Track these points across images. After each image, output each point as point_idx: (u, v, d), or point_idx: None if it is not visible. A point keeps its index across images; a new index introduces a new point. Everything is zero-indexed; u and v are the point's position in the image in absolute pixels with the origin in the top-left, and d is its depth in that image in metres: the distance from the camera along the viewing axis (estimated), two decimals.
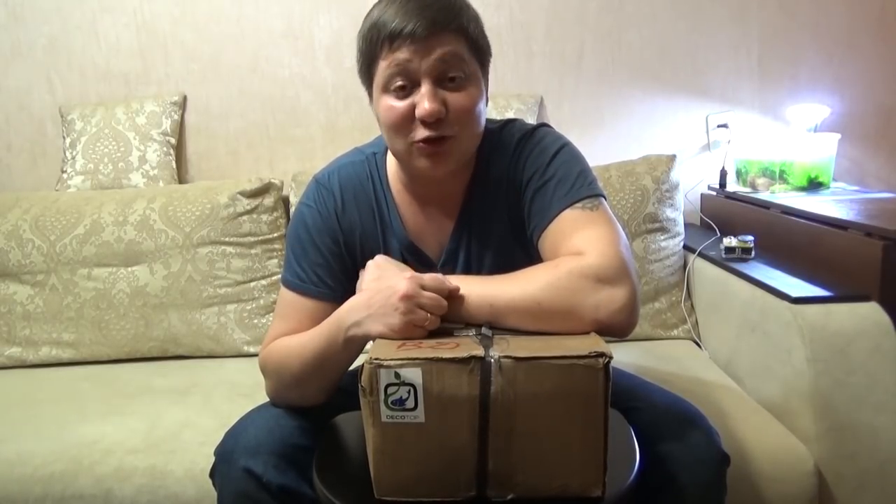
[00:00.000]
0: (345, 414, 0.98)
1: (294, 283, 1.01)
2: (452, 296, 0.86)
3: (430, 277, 0.85)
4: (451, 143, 0.92)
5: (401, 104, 0.90)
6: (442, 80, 0.90)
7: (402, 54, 0.87)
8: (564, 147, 0.99)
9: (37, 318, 1.70)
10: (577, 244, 0.89)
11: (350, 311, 0.88)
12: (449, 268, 1.02)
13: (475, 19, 0.93)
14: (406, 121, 0.90)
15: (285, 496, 0.89)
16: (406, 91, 0.90)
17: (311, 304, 0.99)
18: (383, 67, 0.89)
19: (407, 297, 0.82)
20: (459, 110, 0.90)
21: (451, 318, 0.85)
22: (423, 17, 0.86)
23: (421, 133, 0.90)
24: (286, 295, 1.02)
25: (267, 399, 1.02)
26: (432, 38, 0.87)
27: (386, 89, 0.91)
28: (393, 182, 1.03)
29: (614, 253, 0.86)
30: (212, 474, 0.95)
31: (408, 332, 0.82)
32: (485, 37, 0.95)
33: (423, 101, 0.88)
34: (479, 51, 0.93)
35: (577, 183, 0.95)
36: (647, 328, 1.70)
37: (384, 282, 0.86)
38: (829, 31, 2.01)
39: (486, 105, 0.97)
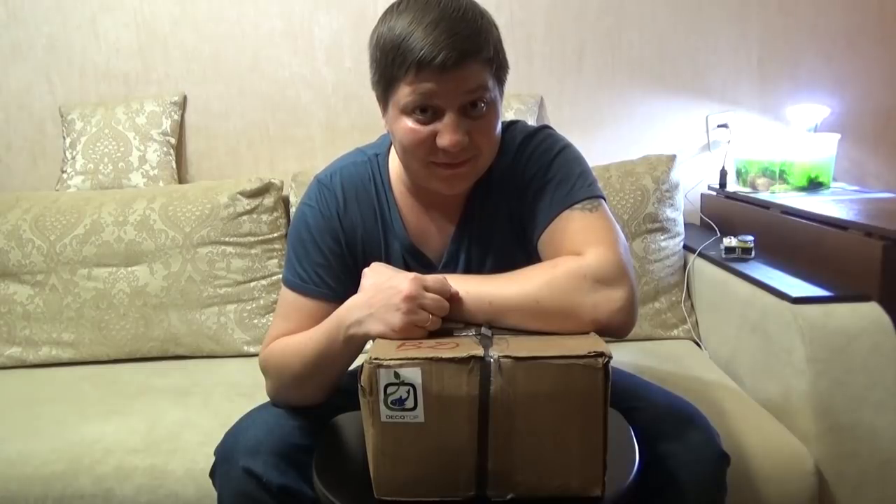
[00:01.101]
0: (345, 414, 0.98)
1: (295, 282, 1.01)
2: (453, 298, 0.86)
3: (432, 279, 0.85)
4: (470, 164, 0.92)
5: (422, 129, 0.88)
6: (465, 110, 0.88)
7: (428, 84, 0.85)
8: (566, 149, 0.99)
9: (37, 318, 1.70)
10: (576, 245, 0.89)
11: (350, 310, 0.88)
12: (450, 270, 1.02)
13: (498, 39, 0.91)
14: (426, 145, 0.89)
15: (285, 496, 0.89)
16: (427, 117, 0.87)
17: (311, 304, 0.99)
18: (406, 93, 0.86)
19: (410, 298, 0.82)
20: (482, 139, 0.90)
21: (450, 317, 0.85)
22: (453, 49, 0.83)
23: (441, 159, 0.89)
24: (287, 295, 1.02)
25: (267, 399, 1.02)
26: (459, 72, 0.84)
27: (406, 112, 0.88)
28: (395, 184, 1.03)
29: (613, 254, 0.87)
30: (212, 474, 0.95)
31: (408, 332, 0.82)
32: (504, 53, 0.93)
33: (447, 132, 0.86)
34: (501, 71, 0.92)
35: (577, 184, 0.95)
36: (647, 328, 1.70)
37: (386, 282, 0.86)
38: (828, 31, 2.01)
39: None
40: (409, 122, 0.88)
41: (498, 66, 0.91)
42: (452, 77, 0.84)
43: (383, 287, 0.85)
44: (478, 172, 0.95)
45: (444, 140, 0.87)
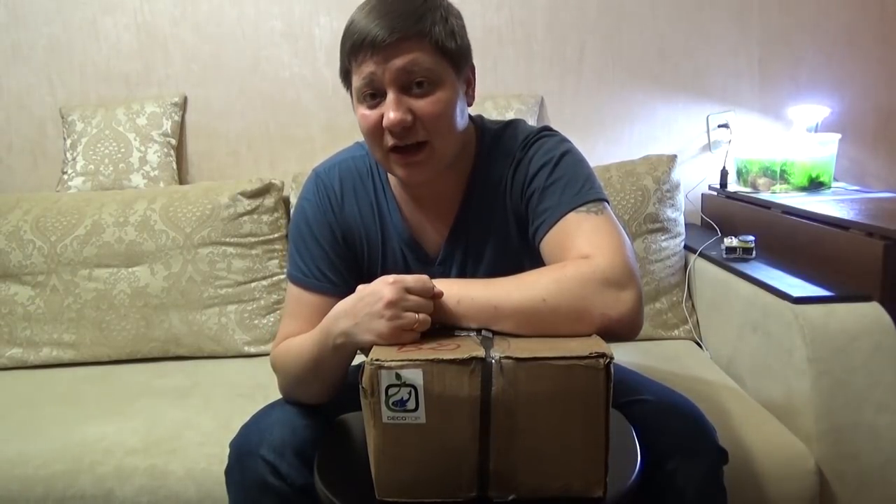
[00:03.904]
0: (347, 414, 0.98)
1: (297, 276, 1.02)
2: (437, 296, 0.84)
3: (413, 279, 0.83)
4: (426, 150, 0.92)
5: (372, 113, 0.91)
6: (408, 88, 0.89)
7: (367, 66, 0.89)
8: (570, 151, 1.00)
9: (38, 319, 1.70)
10: (584, 247, 0.88)
11: (337, 320, 0.87)
12: (447, 265, 1.02)
13: (443, 20, 0.90)
14: (378, 129, 0.91)
15: (306, 496, 0.89)
16: (376, 100, 0.91)
17: (315, 298, 1.00)
18: (356, 80, 0.91)
19: (392, 304, 0.80)
20: (427, 116, 0.90)
21: (455, 324, 0.85)
22: (383, 27, 0.87)
23: (390, 141, 0.91)
24: (292, 290, 1.03)
25: (264, 399, 1.03)
26: (392, 48, 0.87)
27: (360, 99, 0.92)
28: (392, 178, 1.03)
29: (621, 256, 0.87)
30: (228, 469, 0.94)
31: (396, 337, 0.80)
32: (457, 36, 0.92)
33: (388, 110, 0.89)
34: (448, 53, 0.91)
35: (584, 186, 0.95)
36: (648, 328, 1.70)
37: (368, 288, 0.85)
38: (829, 31, 2.01)
39: (470, 102, 0.98)
40: (362, 109, 0.92)
41: (441, 46, 0.90)
42: (386, 55, 0.87)
43: (365, 294, 0.84)
44: (438, 160, 0.94)
45: (386, 119, 0.89)
